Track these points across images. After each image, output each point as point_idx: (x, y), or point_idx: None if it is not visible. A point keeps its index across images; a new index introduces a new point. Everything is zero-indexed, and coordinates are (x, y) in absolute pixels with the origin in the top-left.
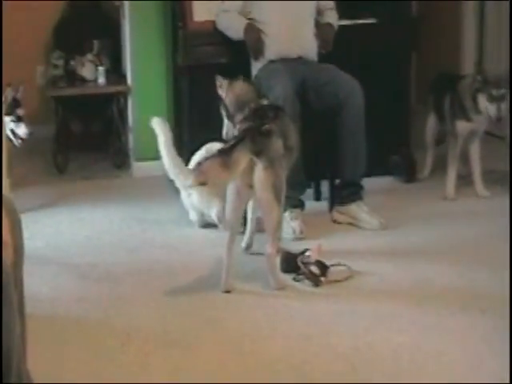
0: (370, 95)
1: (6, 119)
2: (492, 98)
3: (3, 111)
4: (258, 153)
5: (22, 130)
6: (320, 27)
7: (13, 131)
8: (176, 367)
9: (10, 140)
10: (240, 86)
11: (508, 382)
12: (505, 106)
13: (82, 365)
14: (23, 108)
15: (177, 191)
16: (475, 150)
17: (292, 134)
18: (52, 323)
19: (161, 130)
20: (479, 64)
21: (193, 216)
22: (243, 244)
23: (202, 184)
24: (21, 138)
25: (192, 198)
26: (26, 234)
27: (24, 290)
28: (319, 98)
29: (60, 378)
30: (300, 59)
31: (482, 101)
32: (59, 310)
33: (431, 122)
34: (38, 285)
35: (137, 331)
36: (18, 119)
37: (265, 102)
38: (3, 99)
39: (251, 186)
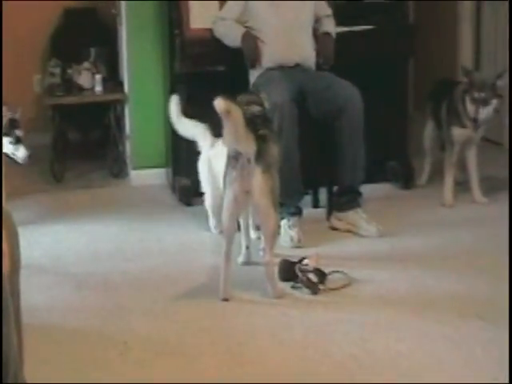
0: (368, 102)
1: (4, 141)
2: (474, 101)
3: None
4: (256, 155)
5: (21, 152)
6: (319, 40)
7: (12, 153)
8: (174, 376)
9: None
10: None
11: (508, 382)
12: (487, 110)
13: (80, 374)
14: (22, 129)
15: (175, 200)
16: (472, 157)
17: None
18: (49, 333)
19: (173, 105)
20: (475, 68)
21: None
22: (240, 260)
23: (227, 109)
24: (19, 162)
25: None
26: (22, 243)
27: (21, 300)
28: (318, 104)
29: None
30: (298, 67)
31: (468, 104)
32: (56, 320)
33: (429, 128)
34: (34, 294)
35: (135, 340)
36: (17, 141)
37: (255, 108)
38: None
39: (248, 192)
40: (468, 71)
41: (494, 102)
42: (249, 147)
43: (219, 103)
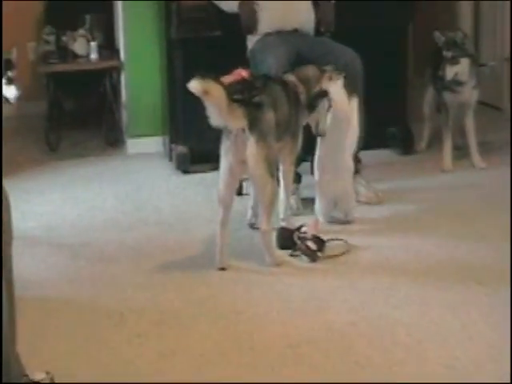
0: (367, 67)
1: None
2: (443, 60)
3: None
4: (249, 125)
5: (11, 92)
6: (320, 8)
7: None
8: (170, 347)
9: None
10: None
11: (508, 381)
12: (456, 69)
13: (75, 346)
14: (16, 70)
15: (172, 168)
16: (469, 122)
17: (283, 104)
18: (43, 305)
19: None
20: (475, 31)
21: None
22: (248, 220)
23: (205, 90)
24: (8, 101)
25: None
26: (16, 214)
27: (14, 271)
28: None
29: (51, 360)
30: (296, 32)
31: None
32: (50, 291)
33: (429, 94)
34: (28, 265)
35: (130, 311)
36: (9, 81)
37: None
38: None
39: (243, 162)
40: (445, 32)
41: (464, 61)
42: (237, 122)
43: (194, 85)
